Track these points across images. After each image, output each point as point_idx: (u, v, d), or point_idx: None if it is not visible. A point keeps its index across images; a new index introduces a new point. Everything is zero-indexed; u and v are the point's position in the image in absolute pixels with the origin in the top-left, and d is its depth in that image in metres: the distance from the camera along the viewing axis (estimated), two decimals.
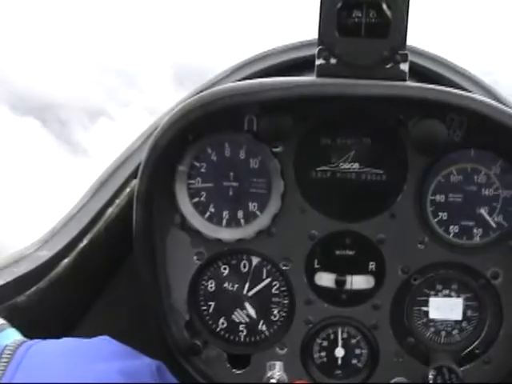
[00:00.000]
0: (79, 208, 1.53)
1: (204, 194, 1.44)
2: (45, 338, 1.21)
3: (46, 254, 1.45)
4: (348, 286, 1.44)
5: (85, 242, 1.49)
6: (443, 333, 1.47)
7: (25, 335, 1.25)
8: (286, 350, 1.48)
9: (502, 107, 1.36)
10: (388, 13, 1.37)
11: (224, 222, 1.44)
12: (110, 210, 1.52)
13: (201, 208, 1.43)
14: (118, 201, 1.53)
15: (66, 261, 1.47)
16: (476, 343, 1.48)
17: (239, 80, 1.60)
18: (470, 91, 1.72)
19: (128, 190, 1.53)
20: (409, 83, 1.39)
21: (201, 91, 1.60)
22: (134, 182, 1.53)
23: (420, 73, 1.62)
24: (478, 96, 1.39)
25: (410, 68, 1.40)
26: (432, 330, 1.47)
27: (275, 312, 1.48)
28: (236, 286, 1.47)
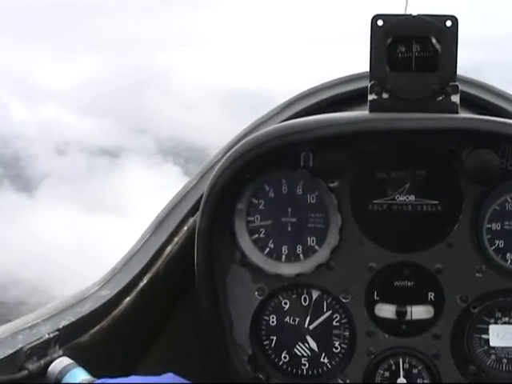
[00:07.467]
0: (139, 247, 1.56)
1: (263, 230, 1.47)
2: (109, 376, 1.24)
3: (107, 294, 1.48)
4: (408, 317, 1.45)
5: (145, 281, 1.52)
6: (504, 360, 1.47)
7: (90, 374, 1.28)
8: (348, 381, 1.49)
9: None
10: (437, 46, 1.39)
11: (283, 257, 1.47)
12: (168, 249, 1.55)
13: (260, 244, 1.46)
14: (176, 239, 1.56)
15: (127, 300, 1.49)
16: None
17: (292, 116, 1.63)
18: None
19: (185, 228, 1.56)
20: (460, 115, 1.41)
21: (256, 127, 1.63)
22: (192, 220, 1.56)
23: (472, 102, 1.64)
24: None
25: (462, 98, 1.42)
26: (493, 357, 1.47)
27: (336, 344, 1.49)
28: (297, 319, 1.49)
